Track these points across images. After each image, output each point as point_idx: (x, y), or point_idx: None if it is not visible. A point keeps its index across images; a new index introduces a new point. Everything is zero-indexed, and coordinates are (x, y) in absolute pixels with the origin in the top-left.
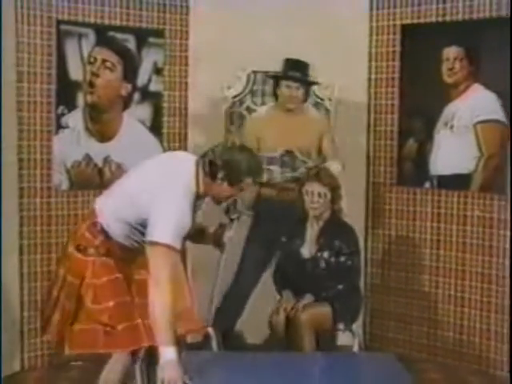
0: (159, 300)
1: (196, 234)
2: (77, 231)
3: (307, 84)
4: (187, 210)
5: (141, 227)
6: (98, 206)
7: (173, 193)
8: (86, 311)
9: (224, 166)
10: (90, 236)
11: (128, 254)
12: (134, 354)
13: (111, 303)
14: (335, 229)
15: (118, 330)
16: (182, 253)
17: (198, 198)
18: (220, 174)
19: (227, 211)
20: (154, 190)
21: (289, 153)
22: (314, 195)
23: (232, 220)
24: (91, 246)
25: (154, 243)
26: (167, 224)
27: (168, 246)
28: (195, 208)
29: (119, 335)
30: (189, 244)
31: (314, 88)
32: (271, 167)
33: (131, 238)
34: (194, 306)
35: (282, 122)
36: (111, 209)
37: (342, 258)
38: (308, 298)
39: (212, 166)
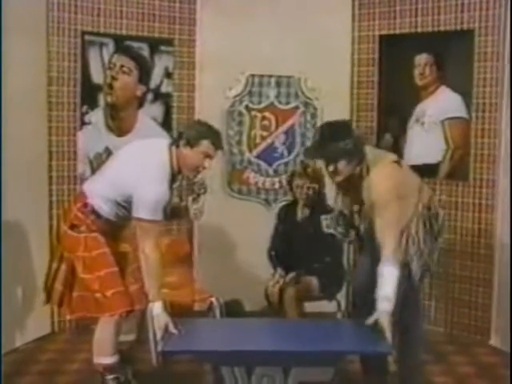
0: (145, 265)
1: (172, 211)
2: (69, 212)
3: None
4: (165, 186)
5: (126, 204)
6: (88, 189)
7: (151, 174)
8: (79, 280)
9: (184, 131)
10: (82, 216)
11: (114, 230)
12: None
13: (101, 273)
14: (321, 212)
15: (108, 296)
16: (189, 233)
17: (174, 175)
18: (182, 140)
19: (195, 187)
20: (136, 171)
21: None
22: (304, 188)
23: (198, 195)
24: (83, 225)
25: (139, 219)
26: (149, 202)
27: (150, 221)
28: (172, 183)
29: (109, 300)
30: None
31: (304, 89)
32: None
33: (119, 214)
34: (199, 278)
35: None
36: (100, 191)
37: (327, 237)
38: (298, 272)
39: (178, 136)
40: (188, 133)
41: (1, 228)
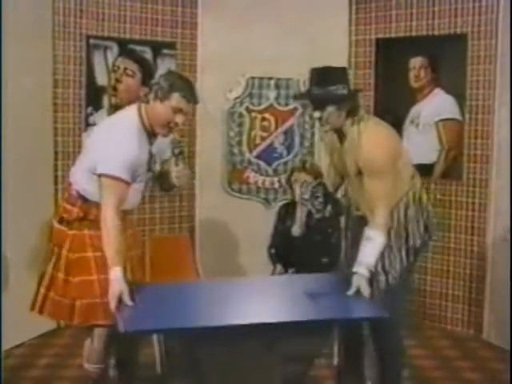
0: (104, 229)
1: (160, 178)
2: (58, 208)
3: None
4: (133, 143)
5: None
6: (72, 177)
7: (118, 131)
8: (58, 280)
9: (155, 84)
10: (69, 206)
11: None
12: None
13: (76, 279)
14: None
15: (77, 306)
16: (191, 231)
17: (148, 134)
18: (151, 94)
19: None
20: (105, 133)
21: None
22: (300, 183)
23: (176, 156)
24: (71, 218)
25: (100, 175)
26: (113, 156)
27: (113, 177)
28: (147, 144)
29: (77, 310)
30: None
31: (302, 91)
32: None
33: (98, 174)
34: (200, 275)
35: None
36: (80, 171)
37: (326, 237)
38: (296, 270)
39: (148, 90)
40: (157, 86)
41: (1, 227)
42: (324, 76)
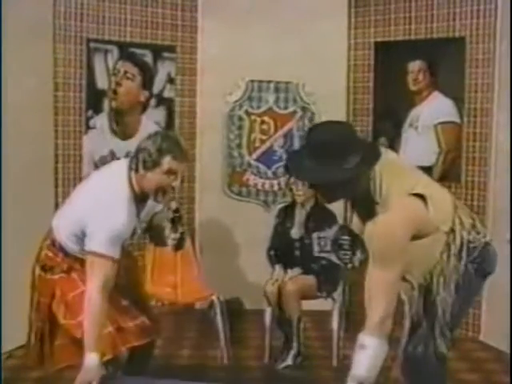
0: (87, 307)
1: (156, 235)
2: (40, 253)
3: None
4: (123, 217)
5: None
6: (55, 223)
7: (107, 202)
8: (61, 327)
9: (137, 155)
10: (52, 254)
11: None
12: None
13: (80, 318)
14: (319, 214)
15: None
16: (191, 233)
17: (139, 199)
18: (140, 163)
19: (168, 214)
20: (92, 201)
21: None
22: (299, 184)
23: (173, 221)
24: (55, 265)
25: (90, 252)
26: (104, 233)
27: (102, 255)
28: (138, 211)
29: None
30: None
31: (302, 94)
32: None
33: (85, 251)
34: (201, 277)
35: None
36: (64, 225)
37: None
38: (296, 271)
39: (133, 158)
40: (144, 153)
41: (1, 228)
42: (330, 148)
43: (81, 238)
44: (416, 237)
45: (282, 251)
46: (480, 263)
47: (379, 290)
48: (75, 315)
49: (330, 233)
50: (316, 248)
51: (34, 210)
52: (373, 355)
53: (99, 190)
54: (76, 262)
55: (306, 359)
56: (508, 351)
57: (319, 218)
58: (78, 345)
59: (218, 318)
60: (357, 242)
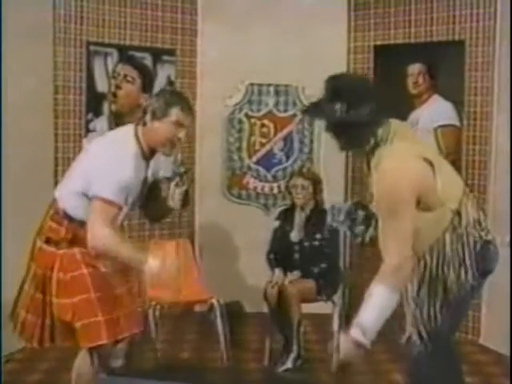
0: (104, 248)
1: (149, 203)
2: (43, 225)
3: None
4: (130, 166)
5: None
6: (58, 194)
7: (113, 151)
8: (51, 305)
9: (149, 105)
10: (56, 225)
11: None
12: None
13: (75, 299)
14: (318, 217)
15: (81, 327)
16: (191, 236)
17: (146, 155)
18: (148, 115)
19: (174, 168)
20: (99, 154)
21: None
22: (298, 188)
23: (180, 176)
24: (59, 238)
25: (92, 197)
26: (107, 178)
27: (105, 200)
28: (146, 167)
29: (82, 331)
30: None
31: (302, 98)
32: None
33: (91, 197)
34: (201, 280)
35: None
36: (68, 188)
37: (324, 242)
38: (295, 275)
39: (143, 112)
40: (152, 106)
41: (1, 232)
42: (342, 89)
43: (87, 195)
44: (421, 207)
45: (282, 254)
46: (479, 261)
47: (389, 239)
48: (69, 295)
49: (345, 206)
50: (329, 218)
51: (34, 213)
52: (378, 304)
53: (106, 146)
54: (80, 230)
55: (306, 362)
56: (508, 354)
57: (319, 221)
58: (64, 328)
59: (218, 321)
60: (371, 217)
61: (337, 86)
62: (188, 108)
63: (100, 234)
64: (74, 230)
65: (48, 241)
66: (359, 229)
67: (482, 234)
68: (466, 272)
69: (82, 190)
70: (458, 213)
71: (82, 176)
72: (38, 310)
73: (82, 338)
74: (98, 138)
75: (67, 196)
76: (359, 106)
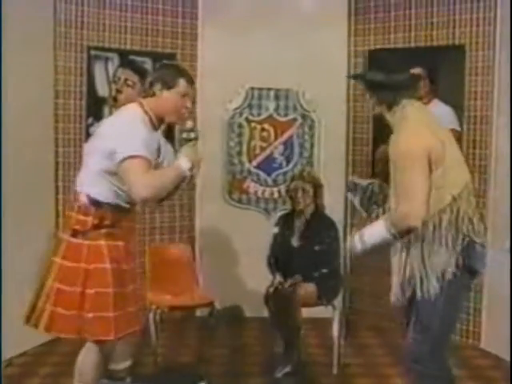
0: (143, 193)
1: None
2: (68, 219)
3: None
4: (142, 128)
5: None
6: (79, 187)
7: (124, 121)
8: (73, 295)
9: (157, 76)
10: (82, 216)
11: (120, 220)
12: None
13: (92, 291)
14: (318, 222)
15: (89, 319)
16: (191, 240)
17: (154, 126)
18: (157, 85)
19: (184, 135)
20: (111, 130)
21: None
22: (299, 191)
23: (190, 140)
24: (86, 228)
25: (122, 160)
26: (126, 141)
27: (133, 156)
28: (158, 138)
29: (90, 323)
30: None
31: (302, 102)
32: None
33: (116, 190)
34: (201, 284)
35: None
36: (90, 173)
37: (325, 247)
38: (296, 279)
39: (150, 84)
40: (162, 77)
41: (1, 236)
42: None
43: (112, 169)
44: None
45: (282, 259)
46: (465, 258)
47: (402, 191)
48: (92, 286)
49: (363, 181)
50: (347, 189)
51: (35, 218)
52: (378, 229)
53: (117, 120)
54: (106, 213)
55: (306, 366)
56: (508, 359)
57: (319, 225)
58: (76, 318)
59: (219, 326)
60: (384, 199)
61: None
62: (191, 79)
63: (141, 186)
64: (101, 216)
65: (75, 233)
66: (370, 205)
67: (472, 234)
68: (451, 257)
69: (106, 166)
70: (456, 200)
71: (103, 154)
72: (71, 302)
73: (89, 330)
74: (104, 121)
75: (90, 182)
76: (397, 72)
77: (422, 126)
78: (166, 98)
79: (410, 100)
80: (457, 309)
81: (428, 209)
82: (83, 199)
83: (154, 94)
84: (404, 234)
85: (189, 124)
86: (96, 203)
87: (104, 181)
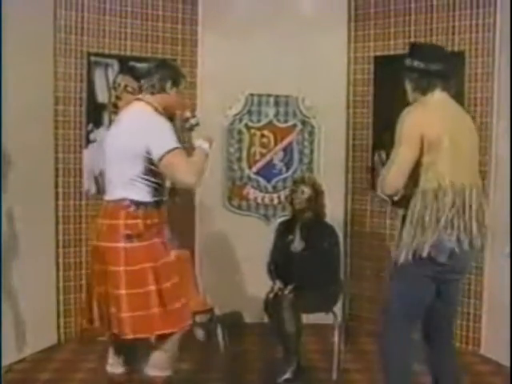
0: (189, 180)
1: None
2: (117, 230)
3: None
4: (168, 123)
5: (149, 164)
6: (111, 194)
7: (150, 119)
8: (116, 297)
9: (167, 75)
10: (132, 220)
11: (161, 215)
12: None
13: (168, 284)
14: (319, 228)
15: (167, 311)
16: (191, 247)
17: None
18: (168, 83)
19: (187, 124)
20: (132, 132)
21: None
22: (298, 192)
23: (195, 126)
24: (139, 231)
25: (161, 157)
26: (161, 136)
27: (172, 149)
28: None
29: (168, 315)
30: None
31: (302, 108)
32: None
33: (155, 187)
34: (201, 291)
35: None
36: (123, 177)
37: (325, 253)
38: (296, 286)
39: (160, 84)
40: (171, 74)
41: (1, 242)
42: (421, 50)
43: (145, 164)
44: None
45: (283, 265)
46: (431, 247)
47: (390, 158)
48: (165, 280)
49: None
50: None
51: (35, 225)
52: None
53: (141, 122)
54: (152, 212)
55: (306, 372)
56: (508, 365)
57: (319, 231)
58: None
59: (218, 332)
60: None
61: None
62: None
63: (188, 174)
64: (149, 215)
65: (129, 238)
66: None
67: (452, 236)
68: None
69: (143, 167)
70: (442, 190)
71: (136, 157)
72: (147, 302)
73: (131, 327)
74: (117, 126)
75: (128, 186)
76: (432, 63)
77: (429, 112)
78: (175, 95)
79: (443, 92)
80: (411, 294)
81: (403, 181)
82: (126, 204)
83: (163, 91)
84: (387, 197)
85: (188, 113)
86: (141, 204)
87: (143, 181)
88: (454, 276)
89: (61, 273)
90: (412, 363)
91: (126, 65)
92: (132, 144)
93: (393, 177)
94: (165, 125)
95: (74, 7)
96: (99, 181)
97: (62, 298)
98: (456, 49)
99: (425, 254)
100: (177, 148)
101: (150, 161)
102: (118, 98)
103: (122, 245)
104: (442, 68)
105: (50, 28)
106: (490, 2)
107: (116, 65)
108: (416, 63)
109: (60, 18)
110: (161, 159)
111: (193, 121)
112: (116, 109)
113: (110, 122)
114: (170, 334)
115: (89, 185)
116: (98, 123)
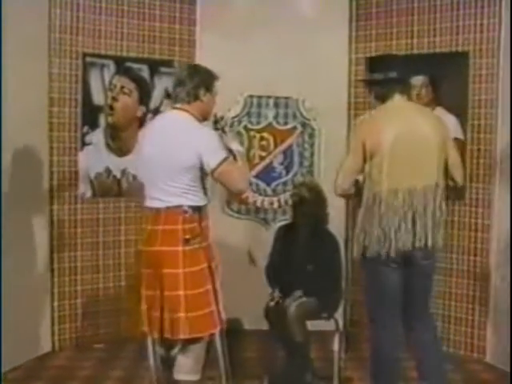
0: (245, 186)
1: None
2: (175, 235)
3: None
4: (213, 132)
5: (201, 172)
6: (170, 201)
7: (197, 128)
8: (178, 299)
9: (200, 82)
10: (189, 224)
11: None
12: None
13: (217, 284)
14: (319, 234)
15: (189, 318)
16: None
17: None
18: (201, 90)
19: (219, 125)
20: (190, 139)
21: None
22: (298, 195)
23: (223, 130)
24: (196, 234)
25: (217, 166)
26: (212, 146)
27: (224, 159)
28: None
29: (188, 322)
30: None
31: (302, 110)
32: None
33: (205, 192)
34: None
35: None
36: (175, 185)
37: (326, 259)
38: (297, 293)
39: (194, 92)
40: (203, 81)
41: (1, 243)
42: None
43: (197, 173)
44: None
45: (282, 271)
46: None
47: (340, 165)
48: (217, 279)
49: None
50: None
51: (30, 228)
52: None
53: (190, 133)
54: (206, 216)
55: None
56: None
57: (320, 237)
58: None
59: (217, 338)
60: None
61: (378, 59)
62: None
63: (240, 181)
64: (203, 218)
65: (187, 242)
66: None
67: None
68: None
69: (195, 175)
70: (382, 194)
71: (188, 167)
72: (205, 302)
73: (191, 328)
74: (159, 137)
75: (181, 193)
76: (389, 71)
77: (376, 120)
78: (208, 101)
79: (402, 96)
80: (377, 282)
81: (348, 185)
82: (183, 210)
83: (197, 99)
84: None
85: (217, 115)
86: (196, 209)
87: (196, 187)
88: (416, 263)
89: (55, 279)
90: (398, 349)
91: (122, 66)
92: (185, 156)
93: (339, 180)
94: (214, 135)
95: (69, 7)
96: (94, 184)
97: (56, 304)
98: (460, 49)
99: (369, 254)
100: (227, 157)
101: (202, 169)
102: (114, 99)
103: (180, 248)
104: (399, 74)
105: (44, 28)
106: (494, 1)
107: (112, 66)
108: (376, 75)
109: (55, 17)
110: (215, 170)
111: (223, 122)
112: (112, 111)
113: (107, 123)
114: (201, 338)
115: (84, 188)
116: (93, 125)
